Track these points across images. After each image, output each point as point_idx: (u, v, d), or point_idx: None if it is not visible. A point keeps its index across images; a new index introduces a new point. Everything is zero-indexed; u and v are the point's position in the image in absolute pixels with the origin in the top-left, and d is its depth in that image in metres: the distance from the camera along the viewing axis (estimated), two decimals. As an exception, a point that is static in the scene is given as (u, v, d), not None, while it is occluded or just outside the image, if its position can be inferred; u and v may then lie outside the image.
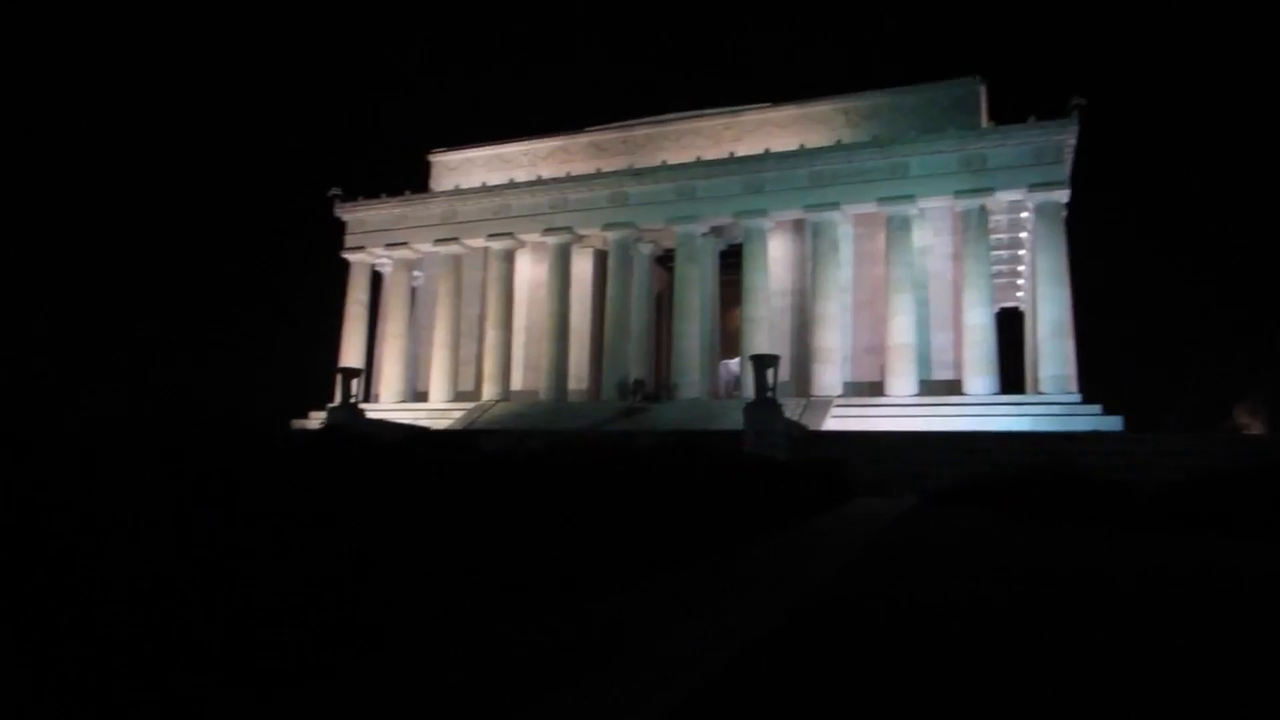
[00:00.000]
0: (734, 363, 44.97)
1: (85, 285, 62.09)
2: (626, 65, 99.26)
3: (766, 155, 40.07)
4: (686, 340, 40.55)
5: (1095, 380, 35.85)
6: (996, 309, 41.40)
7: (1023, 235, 41.94)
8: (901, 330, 36.50)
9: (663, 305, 47.67)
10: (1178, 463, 21.90)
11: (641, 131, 45.94)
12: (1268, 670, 4.94)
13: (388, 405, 44.62)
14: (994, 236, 39.77)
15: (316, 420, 40.10)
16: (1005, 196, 36.75)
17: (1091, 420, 31.60)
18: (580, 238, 44.06)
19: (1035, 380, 37.04)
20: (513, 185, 45.20)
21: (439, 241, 46.04)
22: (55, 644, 3.08)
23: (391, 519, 5.05)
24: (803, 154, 39.48)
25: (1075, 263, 36.03)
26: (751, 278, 39.66)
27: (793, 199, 39.25)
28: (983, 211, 36.65)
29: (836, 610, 6.66)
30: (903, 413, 34.70)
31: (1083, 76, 79.74)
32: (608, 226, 42.52)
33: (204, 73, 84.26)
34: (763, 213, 39.70)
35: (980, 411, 33.65)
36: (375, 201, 48.05)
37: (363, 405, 38.63)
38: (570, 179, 43.97)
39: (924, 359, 37.08)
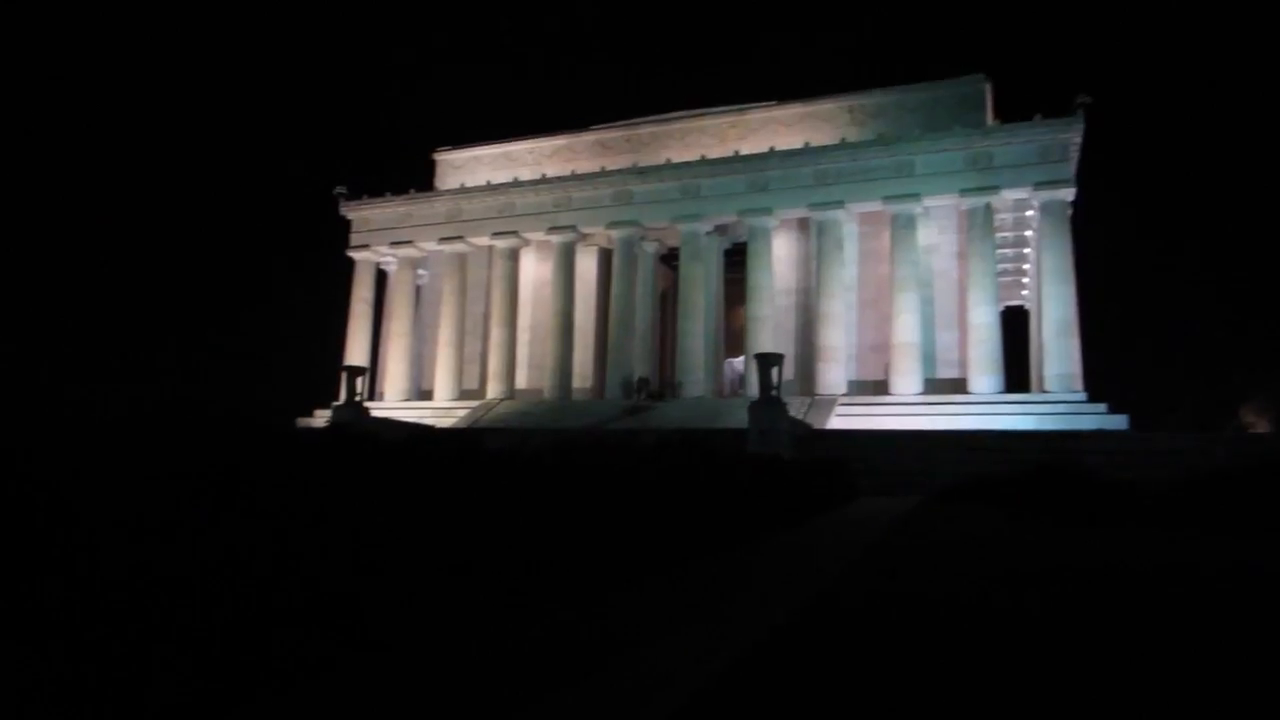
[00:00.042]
0: (738, 361, 44.95)
1: (91, 283, 62.30)
2: (631, 64, 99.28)
3: (771, 154, 40.04)
4: (691, 339, 40.55)
5: (1100, 379, 35.82)
6: (1001, 307, 41.28)
7: (1028, 233, 41.91)
8: (906, 329, 36.45)
9: (667, 304, 47.69)
10: (1184, 462, 21.82)
11: (646, 130, 45.94)
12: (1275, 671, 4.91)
13: (392, 403, 44.69)
14: (999, 235, 39.72)
15: (321, 419, 40.19)
16: (1011, 195, 36.70)
17: (1097, 419, 31.54)
18: (585, 236, 44.08)
19: (1040, 379, 37.00)
20: (517, 184, 45.23)
21: (444, 240, 46.09)
22: (55, 643, 3.08)
23: (395, 518, 5.05)
24: (808, 152, 39.43)
25: (1080, 261, 36.04)
26: (756, 276, 39.63)
27: (797, 197, 39.22)
28: (988, 210, 36.58)
29: (843, 610, 6.64)
30: (907, 411, 34.67)
31: (1088, 74, 79.51)
32: (612, 225, 42.53)
33: (210, 71, 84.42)
34: (767, 211, 39.67)
35: (985, 410, 33.61)
36: (380, 200, 48.13)
37: (367, 404, 38.67)
38: (575, 177, 43.99)
39: (929, 357, 37.04)
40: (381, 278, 49.69)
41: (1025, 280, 46.57)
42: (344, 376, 35.64)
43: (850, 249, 39.80)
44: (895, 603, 6.81)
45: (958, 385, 36.31)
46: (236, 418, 4.79)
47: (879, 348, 38.40)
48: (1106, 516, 14.50)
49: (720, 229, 42.52)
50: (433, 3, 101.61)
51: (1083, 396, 33.75)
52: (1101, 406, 32.63)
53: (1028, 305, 46.59)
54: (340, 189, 48.80)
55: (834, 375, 37.46)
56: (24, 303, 56.64)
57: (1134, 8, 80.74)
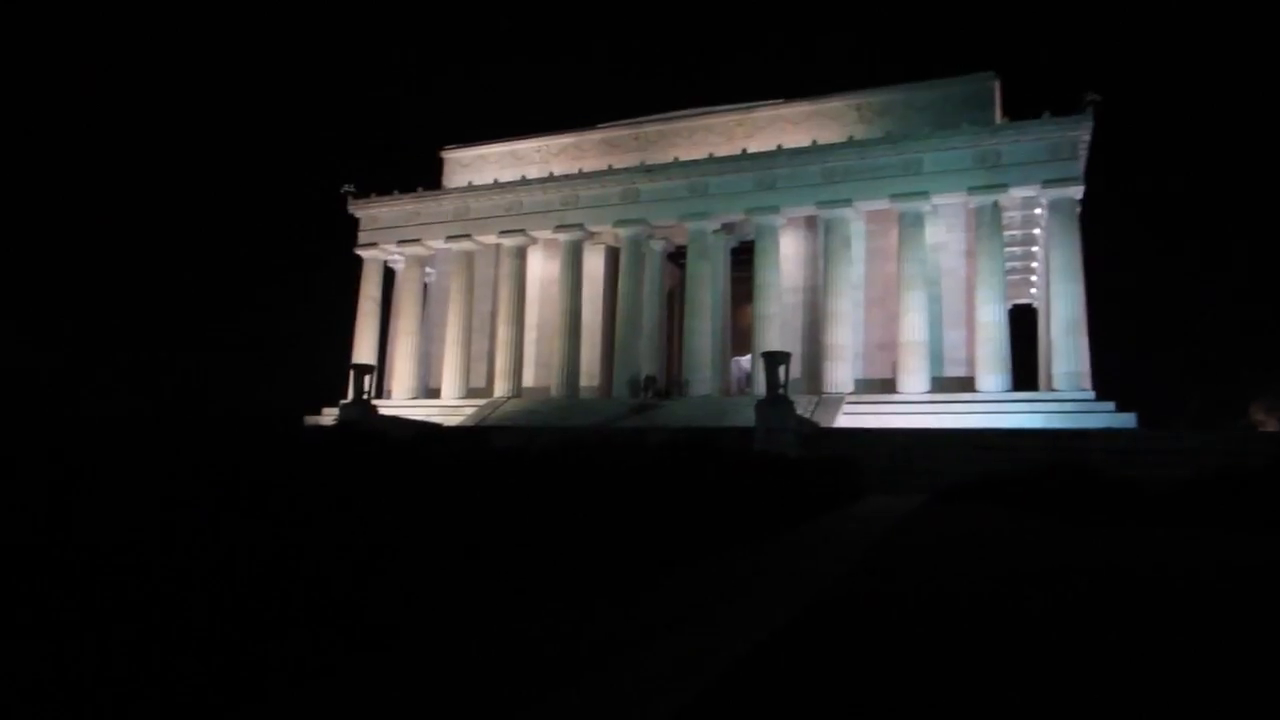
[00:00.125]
0: (745, 359, 44.92)
1: (98, 282, 62.60)
2: (638, 62, 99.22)
3: (779, 152, 39.97)
4: (698, 337, 40.53)
5: (1109, 377, 35.64)
6: (1009, 306, 41.20)
7: (1036, 231, 41.73)
8: (914, 327, 36.36)
9: (674, 302, 47.66)
10: (1192, 460, 21.69)
11: (653, 128, 45.91)
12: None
13: (400, 401, 44.78)
14: (1007, 233, 39.57)
15: (329, 416, 40.28)
16: (1019, 193, 36.55)
17: (1105, 417, 31.42)
18: (592, 234, 44.08)
19: (1048, 377, 36.83)
20: (525, 182, 45.25)
21: (451, 238, 46.14)
22: (56, 641, 3.11)
23: (402, 517, 5.08)
24: (815, 150, 39.33)
25: (1089, 259, 35.84)
26: (763, 274, 39.58)
27: (805, 195, 39.14)
28: (996, 208, 36.45)
29: (849, 609, 6.65)
30: (915, 410, 34.59)
31: (1097, 72, 79.16)
32: (619, 223, 42.52)
33: (218, 70, 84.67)
34: (775, 209, 39.61)
35: (993, 409, 33.50)
36: (388, 198, 48.21)
37: (375, 402, 38.78)
38: (582, 176, 43.98)
39: (936, 356, 36.94)
40: (389, 276, 49.77)
41: (1033, 278, 46.38)
42: (352, 375, 35.74)
43: (858, 247, 39.69)
44: (895, 603, 6.82)
45: (965, 384, 36.20)
46: (241, 417, 4.83)
47: (886, 346, 38.32)
48: (1114, 515, 14.45)
49: (727, 227, 42.46)
50: (441, 1, 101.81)
51: (1091, 395, 33.60)
52: (1110, 405, 32.48)
53: (1036, 303, 46.41)
54: (348, 187, 48.88)
55: (841, 373, 37.40)
56: (32, 303, 56.96)
57: (1143, 5, 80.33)
